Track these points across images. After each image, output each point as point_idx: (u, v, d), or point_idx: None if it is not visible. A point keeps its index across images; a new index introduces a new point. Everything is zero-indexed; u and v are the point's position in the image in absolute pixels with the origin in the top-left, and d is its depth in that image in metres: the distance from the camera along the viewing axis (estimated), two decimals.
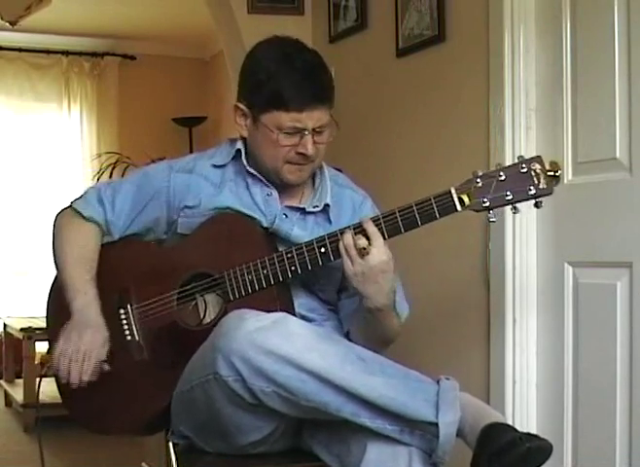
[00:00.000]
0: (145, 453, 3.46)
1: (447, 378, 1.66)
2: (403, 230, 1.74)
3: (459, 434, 1.62)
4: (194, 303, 1.91)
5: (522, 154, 2.25)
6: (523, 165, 1.68)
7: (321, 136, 1.88)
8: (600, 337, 2.12)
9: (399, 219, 1.73)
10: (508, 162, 2.24)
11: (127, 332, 1.92)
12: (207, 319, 1.89)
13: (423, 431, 1.62)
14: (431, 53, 2.76)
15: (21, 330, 4.76)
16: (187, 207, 1.95)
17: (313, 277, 1.91)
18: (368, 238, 1.73)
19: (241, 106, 1.91)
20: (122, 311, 1.94)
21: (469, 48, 2.57)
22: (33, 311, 5.05)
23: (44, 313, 2.06)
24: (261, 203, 1.93)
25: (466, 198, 1.70)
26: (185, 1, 5.49)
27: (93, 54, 6.64)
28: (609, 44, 2.08)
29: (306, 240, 1.82)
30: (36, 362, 4.98)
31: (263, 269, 1.83)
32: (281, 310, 1.74)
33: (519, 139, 2.34)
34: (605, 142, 2.10)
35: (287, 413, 1.67)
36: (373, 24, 3.13)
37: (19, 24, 4.71)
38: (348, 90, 3.12)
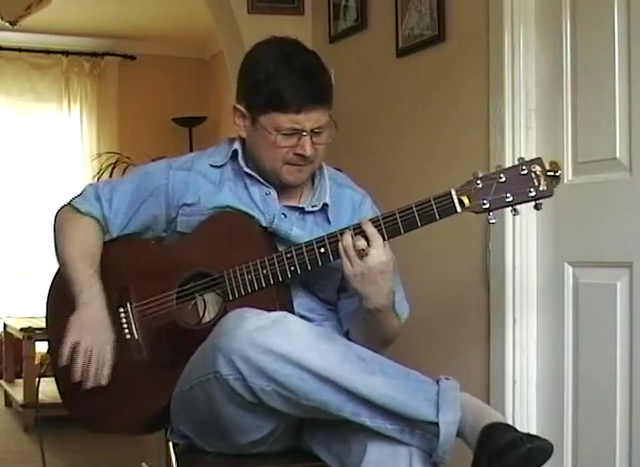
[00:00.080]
0: (145, 453, 3.46)
1: (447, 378, 1.66)
2: (402, 231, 1.74)
3: (459, 434, 1.62)
4: (193, 302, 1.91)
5: (522, 154, 2.26)
6: (524, 167, 1.68)
7: (320, 137, 1.87)
8: (600, 337, 2.12)
9: (399, 220, 1.73)
10: (508, 163, 2.24)
11: (127, 331, 1.92)
12: (206, 318, 1.89)
13: (423, 431, 1.62)
14: (431, 53, 2.76)
15: (21, 330, 4.76)
16: (186, 205, 1.95)
17: (313, 277, 1.91)
18: (367, 239, 1.73)
19: (240, 107, 1.91)
20: (121, 310, 1.94)
21: (469, 48, 2.57)
22: (33, 311, 5.04)
23: (44, 313, 2.05)
24: (259, 202, 1.93)
25: (466, 200, 1.70)
26: (185, 1, 5.49)
27: (93, 54, 6.63)
28: (609, 44, 2.08)
29: (306, 240, 1.82)
30: (36, 362, 4.97)
31: (262, 268, 1.83)
32: (280, 310, 1.74)
33: (519, 139, 2.34)
34: (605, 142, 2.10)
35: (287, 412, 1.67)
36: (373, 24, 3.13)
37: (19, 24, 4.71)
38: (348, 91, 3.12)
